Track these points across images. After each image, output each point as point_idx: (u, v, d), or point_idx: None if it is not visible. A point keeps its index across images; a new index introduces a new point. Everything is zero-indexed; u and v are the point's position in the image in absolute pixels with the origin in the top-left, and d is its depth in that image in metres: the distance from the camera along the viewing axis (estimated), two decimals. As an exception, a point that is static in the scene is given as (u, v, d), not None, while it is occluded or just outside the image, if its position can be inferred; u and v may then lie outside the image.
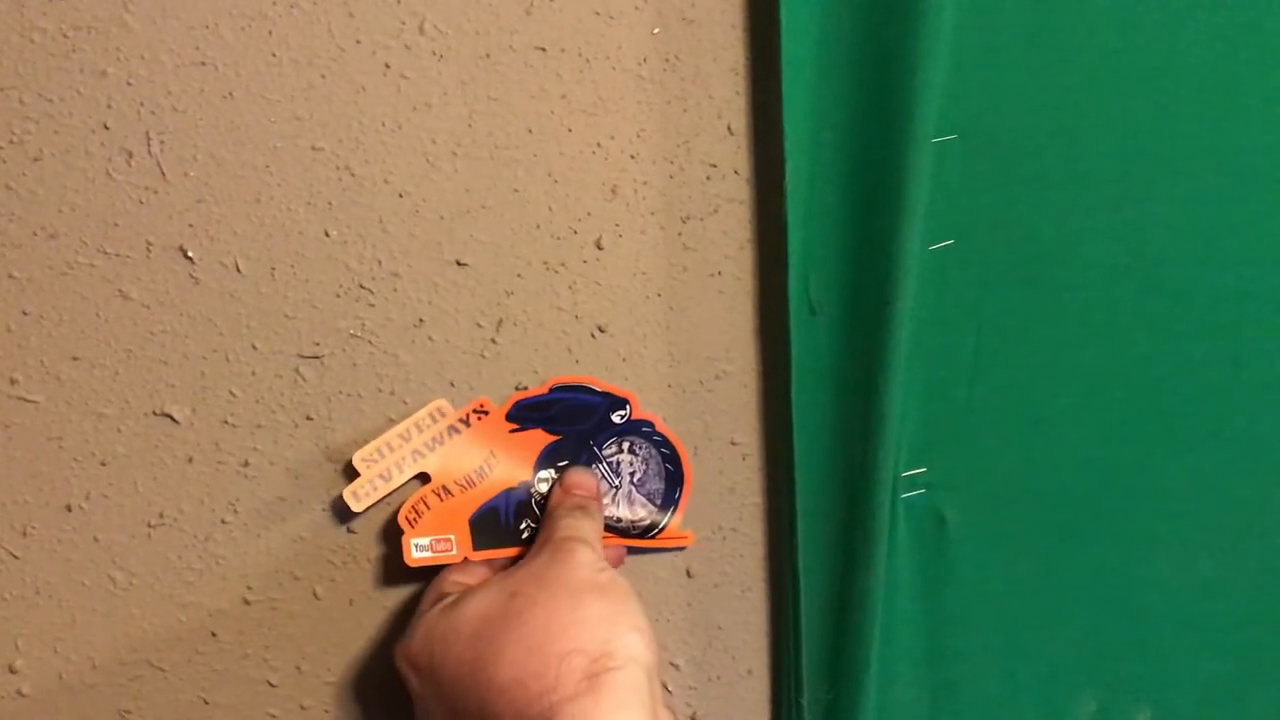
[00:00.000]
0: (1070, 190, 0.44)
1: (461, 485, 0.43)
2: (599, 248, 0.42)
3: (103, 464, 0.40)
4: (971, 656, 0.47)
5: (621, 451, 0.44)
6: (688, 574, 0.44)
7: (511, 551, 0.44)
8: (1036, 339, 0.45)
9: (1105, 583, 0.48)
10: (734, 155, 0.42)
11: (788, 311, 0.42)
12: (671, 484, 0.44)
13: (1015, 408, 0.46)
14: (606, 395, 0.44)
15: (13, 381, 0.39)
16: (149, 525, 0.40)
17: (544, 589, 0.35)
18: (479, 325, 0.42)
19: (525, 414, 0.43)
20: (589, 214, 0.42)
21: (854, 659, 0.44)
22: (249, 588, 0.41)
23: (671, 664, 0.44)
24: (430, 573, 0.42)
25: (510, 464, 0.43)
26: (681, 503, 0.45)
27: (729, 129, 0.42)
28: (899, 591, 0.45)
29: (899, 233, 0.42)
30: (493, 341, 0.42)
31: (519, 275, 0.42)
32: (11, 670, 0.40)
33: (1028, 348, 0.45)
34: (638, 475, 0.44)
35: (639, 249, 0.42)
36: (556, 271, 0.42)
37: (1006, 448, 0.46)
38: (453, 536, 0.43)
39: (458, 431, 0.43)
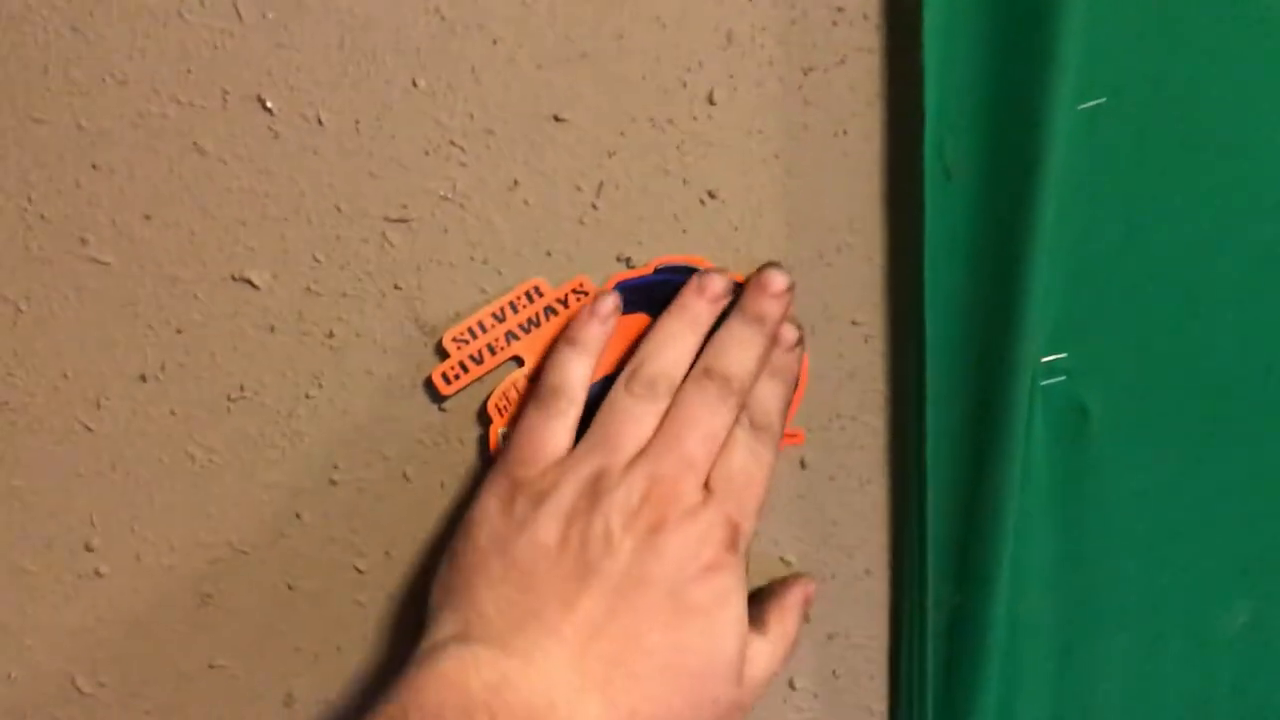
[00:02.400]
0: (1245, 38, 0.38)
1: (559, 369, 0.40)
2: (711, 102, 0.38)
3: (179, 331, 0.37)
4: (1111, 561, 0.42)
5: None
6: (802, 465, 0.41)
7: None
8: (1197, 210, 0.40)
9: (1262, 482, 0.43)
10: (864, -2, 0.38)
11: (920, 176, 0.38)
12: None
13: (1170, 287, 0.41)
14: None
15: (83, 241, 0.36)
16: (228, 398, 0.38)
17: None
18: (578, 189, 0.38)
19: (628, 296, 0.40)
20: (700, 64, 0.38)
21: (984, 560, 0.40)
22: (335, 467, 0.38)
23: (782, 559, 0.41)
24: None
25: (610, 349, 0.40)
26: (795, 398, 0.41)
27: (858, -32, 0.38)
28: (1034, 489, 0.41)
29: (1048, 87, 0.38)
30: (593, 207, 0.38)
31: (622, 133, 0.38)
32: (88, 548, 0.38)
33: (1187, 220, 0.40)
34: (748, 365, 0.40)
35: (755, 104, 0.38)
36: (663, 129, 0.38)
37: (1158, 331, 0.41)
38: None
39: (555, 313, 0.39)
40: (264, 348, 0.37)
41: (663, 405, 0.38)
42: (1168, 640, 0.44)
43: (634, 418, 0.37)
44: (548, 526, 0.35)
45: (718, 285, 0.39)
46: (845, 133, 0.39)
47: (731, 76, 0.38)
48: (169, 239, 0.36)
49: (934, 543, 0.41)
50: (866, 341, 0.41)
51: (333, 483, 0.38)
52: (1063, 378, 0.42)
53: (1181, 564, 0.43)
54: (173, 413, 0.37)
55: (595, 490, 0.35)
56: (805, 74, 0.38)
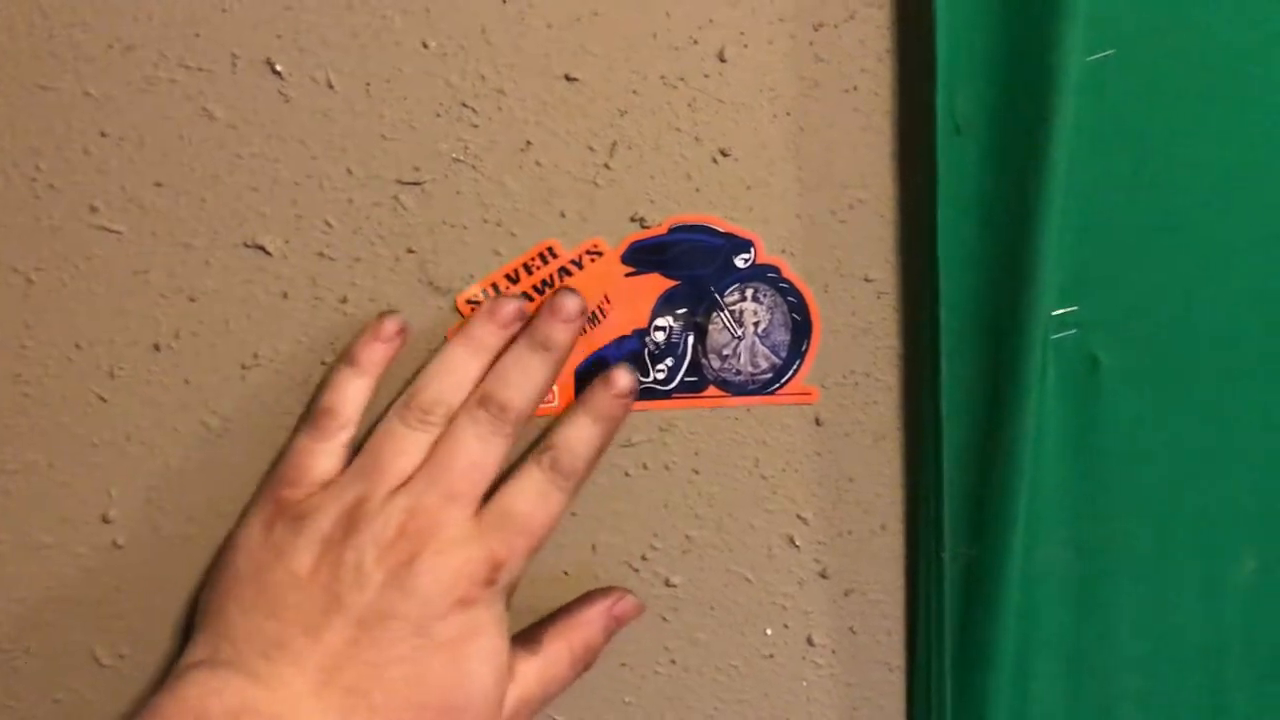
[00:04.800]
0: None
1: (572, 331, 0.39)
2: (721, 60, 0.38)
3: (191, 299, 0.37)
4: (1123, 513, 0.43)
5: (745, 299, 0.40)
6: (816, 422, 0.41)
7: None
8: (1207, 161, 0.40)
9: (1272, 432, 0.43)
10: (873, -48, 0.38)
11: (932, 131, 0.38)
12: (799, 335, 0.41)
13: (1180, 239, 0.41)
14: (729, 237, 0.40)
15: (93, 209, 0.36)
16: (243, 366, 0.37)
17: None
18: (591, 149, 0.38)
19: (642, 256, 0.40)
20: (710, 21, 0.37)
21: (999, 513, 0.41)
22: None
23: (799, 517, 0.41)
24: (537, 425, 0.39)
25: (625, 310, 0.40)
26: (809, 356, 0.41)
27: (867, -78, 0.38)
28: (1046, 442, 0.42)
29: (1057, 40, 0.38)
30: (606, 167, 0.38)
31: (634, 92, 0.38)
32: (105, 520, 0.37)
33: (1196, 171, 0.41)
34: (762, 325, 0.40)
35: (766, 61, 0.38)
36: (675, 87, 0.38)
37: (1169, 283, 0.41)
38: (555, 388, 0.39)
39: (569, 274, 0.39)
40: (278, 314, 0.37)
41: (435, 434, 0.37)
42: (1179, 589, 0.44)
43: (403, 446, 0.36)
44: (302, 554, 0.35)
45: (508, 310, 0.38)
46: (856, 89, 0.39)
47: (742, 33, 0.38)
48: (180, 206, 0.36)
49: (949, 497, 0.41)
50: (879, 297, 0.41)
51: (350, 449, 0.38)
52: (1074, 331, 0.42)
53: (1192, 513, 0.44)
54: (187, 382, 0.37)
55: (353, 519, 0.35)
56: (816, 30, 0.38)
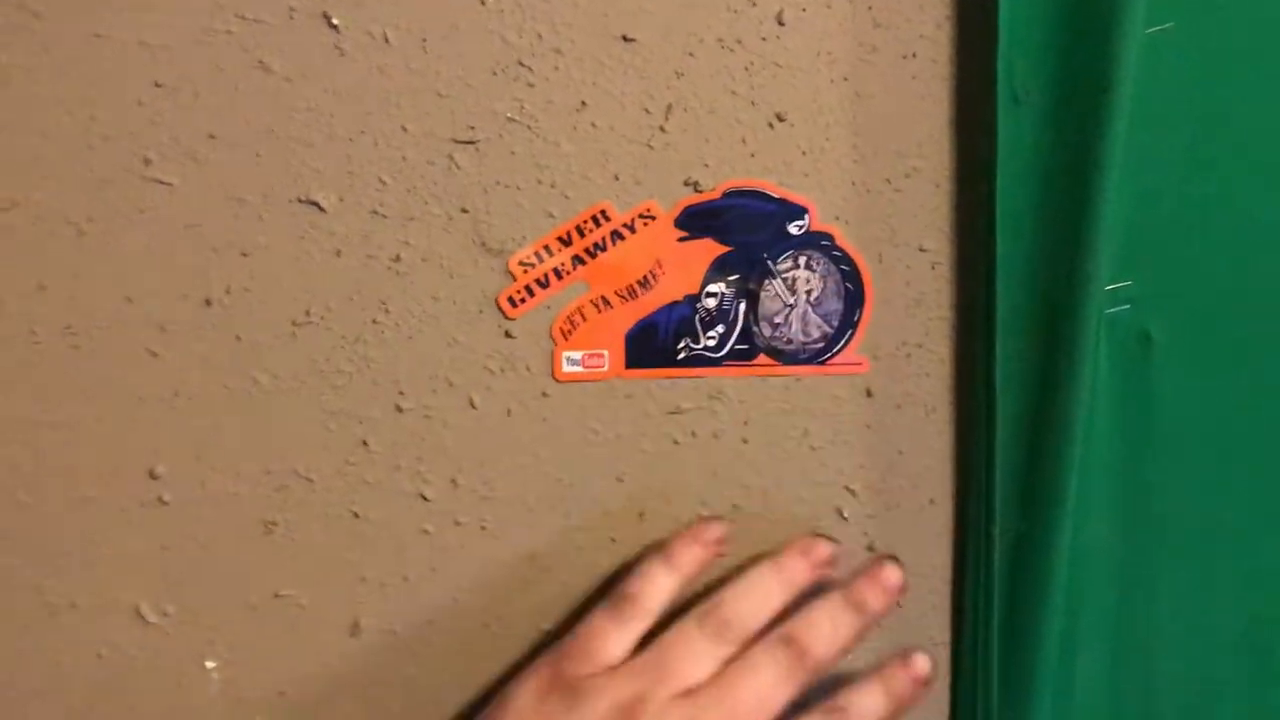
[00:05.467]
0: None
1: (622, 296, 0.39)
2: (780, 23, 0.37)
3: (244, 255, 0.36)
4: (1174, 491, 0.42)
5: (798, 267, 0.40)
6: (867, 393, 0.40)
7: (667, 373, 0.40)
8: (1263, 135, 0.40)
9: (1326, 410, 0.43)
10: (936, -84, 0.37)
11: (990, 100, 0.38)
12: (851, 304, 0.40)
13: (1235, 213, 0.41)
14: (784, 202, 0.39)
15: (146, 161, 0.35)
16: (294, 323, 0.37)
17: None
18: (646, 111, 0.38)
19: (695, 221, 0.39)
20: (771, -16, 0.37)
21: (1050, 489, 0.40)
22: (401, 393, 0.38)
23: (847, 489, 0.41)
24: (586, 389, 0.38)
25: (677, 275, 0.39)
26: (861, 326, 0.40)
27: (931, -115, 0.37)
28: (1098, 416, 0.41)
29: (1118, 12, 0.37)
30: (661, 129, 0.38)
31: (690, 54, 0.37)
32: (152, 476, 0.37)
33: (1253, 145, 0.40)
34: (815, 294, 0.40)
35: (824, 25, 0.38)
36: (732, 50, 0.37)
37: (1222, 258, 0.41)
38: (605, 352, 0.39)
39: (622, 237, 0.39)
40: (330, 271, 0.37)
41: (728, 651, 0.36)
42: (1225, 569, 0.44)
43: (695, 653, 0.36)
44: None
45: (823, 552, 0.39)
46: (914, 55, 0.39)
47: (802, -4, 0.37)
48: (233, 159, 0.36)
49: (1000, 471, 0.41)
50: (934, 268, 0.40)
51: (399, 409, 0.38)
52: (1126, 306, 0.41)
53: (1241, 493, 0.43)
54: (238, 338, 0.36)
55: (630, 713, 0.34)
56: (876, -6, 0.38)
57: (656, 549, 0.38)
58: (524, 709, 0.35)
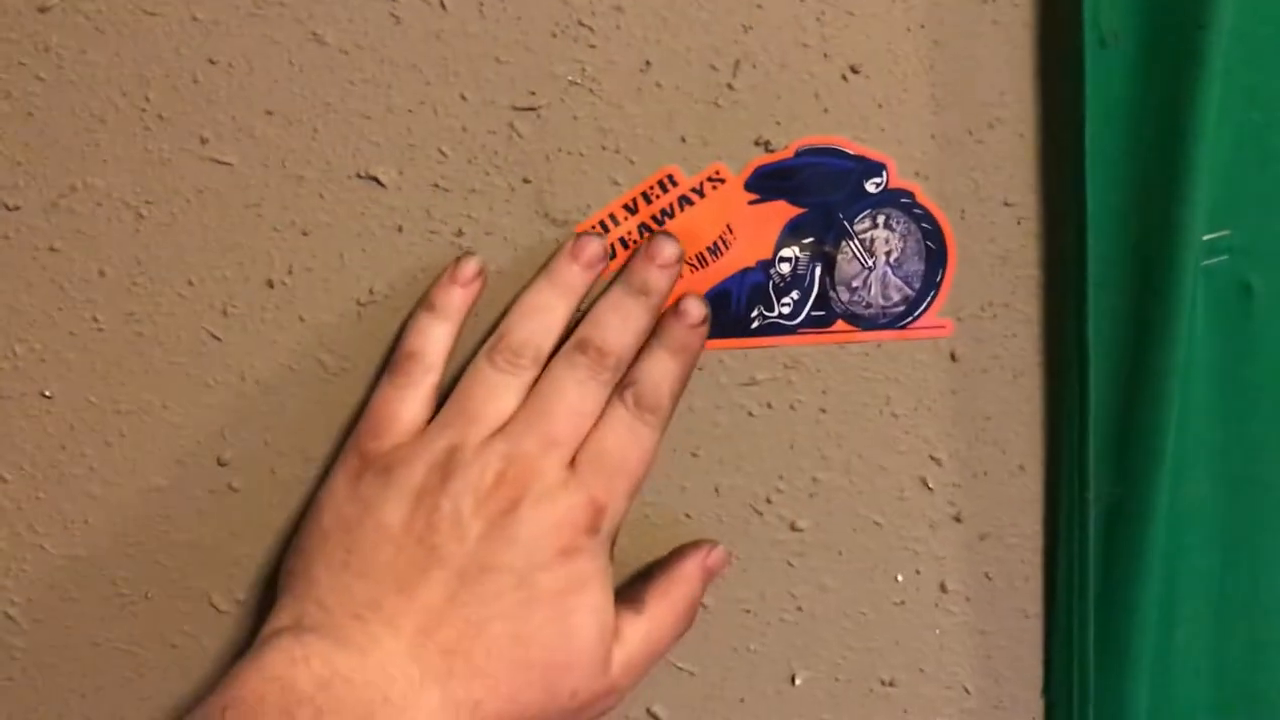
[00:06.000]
0: None
1: (693, 264, 0.38)
2: (852, -30, 0.36)
3: (304, 234, 0.35)
4: (1274, 447, 0.40)
5: (876, 227, 0.38)
6: (952, 357, 0.38)
7: (740, 343, 0.38)
8: (1373, 71, 0.37)
9: None
10: None
11: (1077, 45, 0.36)
12: (933, 264, 0.38)
13: (1343, 155, 0.38)
14: (860, 159, 0.38)
15: (203, 140, 0.34)
16: (358, 303, 0.36)
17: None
18: (713, 68, 0.36)
19: (766, 183, 0.38)
20: (841, -71, 0.35)
21: (1146, 450, 0.38)
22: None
23: (932, 458, 0.39)
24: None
25: (748, 240, 0.38)
26: (944, 287, 0.39)
27: None
28: (1195, 373, 0.39)
29: (1213, -57, 0.35)
30: (729, 87, 0.36)
31: (759, 5, 0.36)
32: (220, 463, 0.36)
33: (1362, 83, 0.37)
34: (894, 255, 0.38)
35: (899, -29, 0.36)
36: (802, 0, 0.36)
37: (1328, 204, 0.38)
38: None
39: (690, 203, 0.37)
40: (393, 248, 0.36)
41: (528, 377, 0.35)
42: (1335, 530, 0.42)
43: (495, 390, 0.35)
44: (393, 507, 0.33)
45: (593, 249, 0.36)
46: (995, -1, 0.37)
47: (875, -60, 0.36)
48: (291, 136, 0.35)
49: (1094, 435, 0.39)
50: (1020, 223, 0.38)
51: (467, 388, 0.37)
52: (1225, 256, 0.39)
53: (1351, 450, 0.41)
54: (302, 319, 0.36)
55: (447, 468, 0.33)
56: (953, -65, 0.36)
57: (420, 303, 0.36)
58: (339, 501, 0.34)
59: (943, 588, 0.41)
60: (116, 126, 0.34)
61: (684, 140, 0.37)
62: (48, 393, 0.36)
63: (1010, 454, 0.40)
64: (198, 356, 0.36)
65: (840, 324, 0.39)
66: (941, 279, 0.39)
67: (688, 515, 0.39)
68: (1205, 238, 0.39)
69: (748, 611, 0.40)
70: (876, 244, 0.38)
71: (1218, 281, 0.39)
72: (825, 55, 0.36)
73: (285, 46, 0.34)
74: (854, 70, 0.37)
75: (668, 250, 0.36)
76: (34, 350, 0.35)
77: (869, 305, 0.39)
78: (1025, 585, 0.41)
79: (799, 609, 0.41)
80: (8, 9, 0.33)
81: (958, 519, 0.40)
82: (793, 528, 0.40)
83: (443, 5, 0.35)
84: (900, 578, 0.41)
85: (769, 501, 0.40)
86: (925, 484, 0.40)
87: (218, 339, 0.36)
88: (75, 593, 0.37)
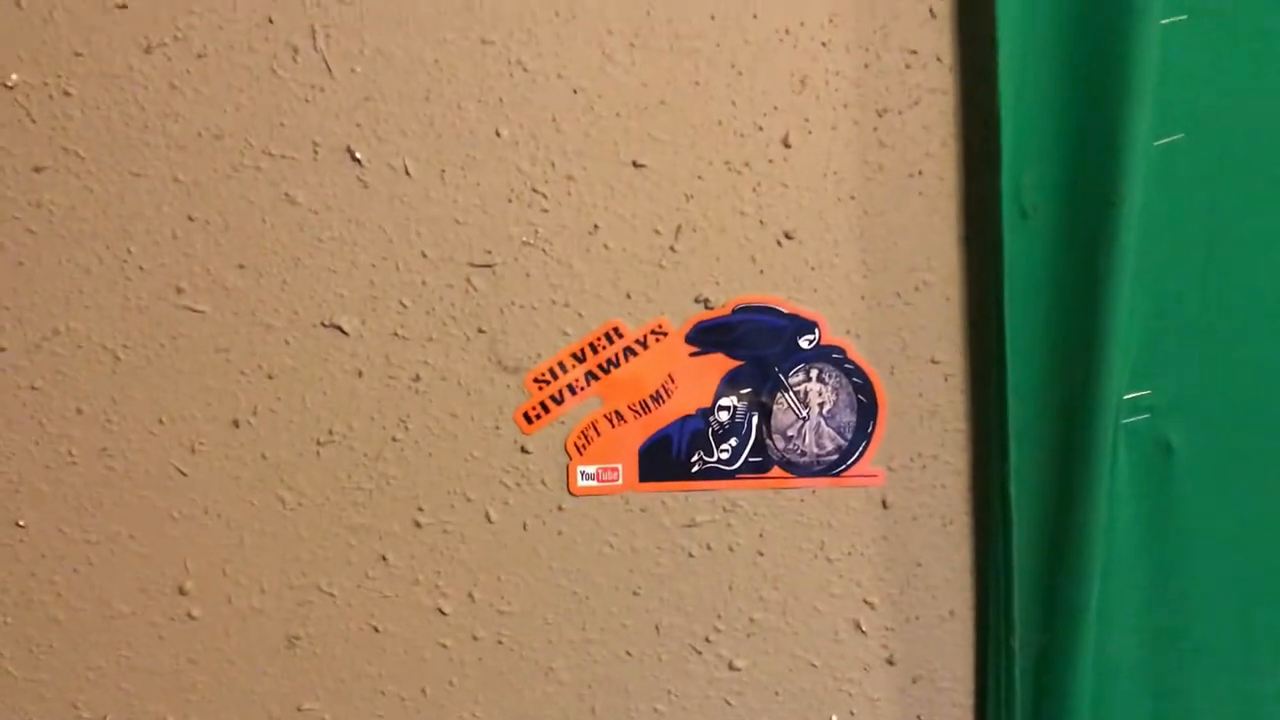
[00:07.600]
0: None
1: (636, 411, 0.40)
2: (786, 145, 0.39)
3: (270, 377, 0.38)
4: (1200, 600, 0.42)
5: (810, 380, 0.40)
6: (884, 505, 0.40)
7: (681, 486, 0.40)
8: (1277, 242, 0.40)
9: (1356, 520, 0.42)
10: (936, 40, 0.38)
11: (997, 215, 0.38)
12: (865, 416, 0.41)
13: (1252, 321, 0.41)
14: (794, 317, 0.40)
15: (179, 290, 0.37)
16: (318, 442, 0.38)
17: None
18: (657, 232, 0.39)
19: (706, 336, 0.40)
20: (775, 108, 0.38)
21: (1070, 600, 0.40)
22: (420, 509, 0.39)
23: (865, 601, 0.40)
24: (601, 503, 0.39)
25: (689, 389, 0.40)
26: (875, 438, 0.41)
27: (930, 11, 0.38)
28: (1118, 527, 0.41)
29: (1124, 124, 0.38)
30: (671, 249, 0.39)
31: (699, 177, 0.38)
32: (181, 592, 0.38)
33: (1267, 253, 0.40)
34: (827, 406, 0.40)
35: (830, 146, 0.39)
36: (739, 172, 0.39)
37: (1241, 366, 0.41)
38: (620, 466, 0.40)
39: (634, 353, 0.40)
40: (352, 392, 0.38)
41: None
42: (1262, 678, 0.43)
43: None
44: None
45: None
46: (920, 173, 0.39)
47: (806, 120, 0.39)
48: (262, 287, 0.37)
49: (1020, 582, 0.40)
50: (946, 380, 0.40)
51: (417, 525, 0.39)
52: (1146, 415, 0.41)
53: (1273, 599, 0.42)
54: (264, 457, 0.38)
55: None
56: (880, 116, 0.39)
57: None
58: None
59: (876, 729, 0.42)
60: (100, 276, 0.37)
61: (629, 296, 0.39)
62: (21, 522, 0.38)
63: (941, 599, 0.42)
64: (165, 491, 0.38)
65: (777, 470, 0.41)
66: (873, 430, 0.41)
67: (629, 653, 0.41)
68: (1126, 396, 0.41)
69: (685, 748, 0.42)
70: (810, 396, 0.41)
71: (1139, 440, 0.41)
72: (761, 222, 0.39)
73: (259, 206, 0.37)
74: (788, 236, 0.39)
75: None
76: (10, 481, 0.38)
77: (804, 453, 0.41)
78: (957, 728, 0.42)
79: (736, 747, 0.42)
80: (4, 167, 0.36)
81: (890, 661, 0.42)
82: (730, 667, 0.41)
83: (407, 171, 0.38)
84: (834, 719, 0.42)
85: (708, 640, 0.41)
86: (859, 627, 0.42)
87: (184, 474, 0.38)
88: (36, 715, 0.38)
